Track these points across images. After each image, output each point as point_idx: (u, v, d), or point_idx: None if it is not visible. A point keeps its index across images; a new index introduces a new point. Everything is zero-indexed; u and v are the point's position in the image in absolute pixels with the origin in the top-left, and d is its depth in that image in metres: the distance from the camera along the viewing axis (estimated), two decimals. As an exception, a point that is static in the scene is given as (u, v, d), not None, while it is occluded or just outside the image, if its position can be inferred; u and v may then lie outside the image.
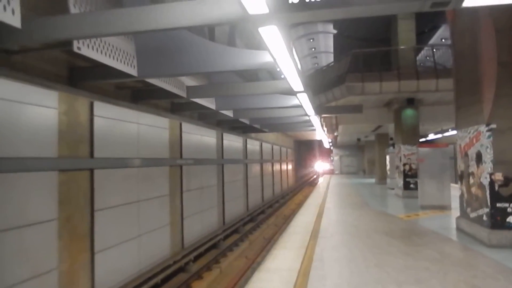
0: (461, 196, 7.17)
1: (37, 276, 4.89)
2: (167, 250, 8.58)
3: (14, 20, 3.42)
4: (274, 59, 4.84)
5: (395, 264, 5.10)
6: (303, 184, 36.16)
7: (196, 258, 9.39)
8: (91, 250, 6.06)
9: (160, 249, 8.24)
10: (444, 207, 10.11)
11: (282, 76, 6.10)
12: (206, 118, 11.57)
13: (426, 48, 21.27)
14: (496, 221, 5.92)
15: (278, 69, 5.42)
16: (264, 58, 5.23)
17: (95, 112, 6.34)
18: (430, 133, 26.25)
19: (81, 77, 5.92)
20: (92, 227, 6.09)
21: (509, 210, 5.88)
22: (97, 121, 6.36)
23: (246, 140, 16.83)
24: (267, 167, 21.71)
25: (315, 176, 40.22)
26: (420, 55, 23.31)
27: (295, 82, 6.33)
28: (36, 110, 5.08)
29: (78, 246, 5.78)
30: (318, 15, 3.48)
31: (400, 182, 14.23)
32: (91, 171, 6.18)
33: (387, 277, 4.53)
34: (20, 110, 4.83)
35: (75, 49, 4.44)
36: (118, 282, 6.60)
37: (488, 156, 6.04)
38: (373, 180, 23.99)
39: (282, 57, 4.76)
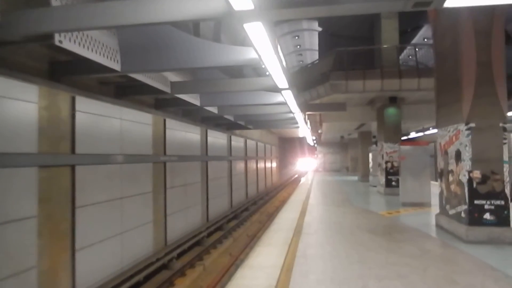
0: (441, 193, 7.33)
1: (16, 274, 4.80)
2: (150, 248, 8.51)
3: (-8, 12, 3.33)
4: (259, 56, 4.85)
5: (377, 260, 5.18)
6: (287, 181, 36.34)
7: (180, 255, 9.36)
8: (72, 248, 5.97)
9: (143, 246, 8.17)
10: (424, 204, 10.32)
11: (267, 73, 6.11)
12: (190, 114, 11.49)
13: (408, 47, 21.59)
14: (474, 217, 6.07)
15: (263, 66, 5.42)
16: (249, 54, 5.23)
17: (77, 107, 6.23)
18: (412, 131, 26.71)
19: (63, 71, 5.80)
20: (73, 225, 6.00)
21: (486, 207, 6.04)
22: (79, 117, 6.25)
23: (230, 137, 16.80)
24: (252, 164, 21.73)
25: (299, 174, 40.44)
26: (403, 54, 23.68)
27: (280, 79, 6.35)
28: (15, 104, 4.97)
29: (58, 244, 5.69)
30: (302, 12, 3.51)
31: (382, 179, 14.44)
32: (73, 167, 6.07)
33: (369, 273, 4.60)
34: (-1, 105, 4.72)
35: (57, 43, 4.35)
36: (100, 280, 6.52)
37: (467, 154, 6.18)
38: (356, 178, 24.28)
39: (267, 53, 4.76)
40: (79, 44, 4.69)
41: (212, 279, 8.15)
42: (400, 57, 23.01)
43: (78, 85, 6.25)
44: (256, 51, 4.62)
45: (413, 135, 27.24)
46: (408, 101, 15.10)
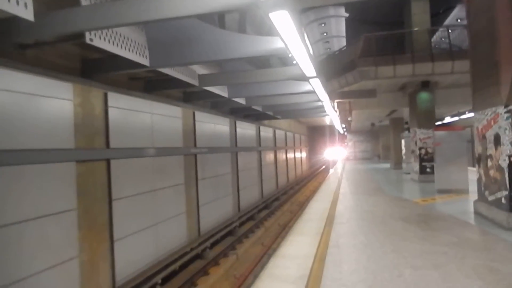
0: (479, 179, 7.05)
1: (60, 264, 5.04)
2: (184, 238, 8.71)
3: (27, 13, 3.44)
4: (286, 45, 4.79)
5: (412, 249, 5.07)
6: (317, 171, 36.08)
7: (213, 245, 9.53)
8: (110, 239, 6.20)
9: (177, 236, 8.37)
10: (461, 191, 9.96)
11: (294, 62, 6.05)
12: (219, 106, 11.58)
13: (441, 29, 20.77)
14: (515, 204, 5.81)
15: (290, 55, 5.37)
16: (275, 44, 5.18)
17: (109, 103, 6.41)
18: (446, 116, 25.78)
19: (94, 69, 5.97)
20: (110, 217, 6.22)
21: (528, 192, 5.76)
22: (111, 112, 6.43)
23: (259, 127, 16.82)
24: (281, 154, 21.70)
25: (329, 163, 40.04)
26: (435, 36, 22.80)
27: (307, 67, 6.27)
28: (52, 102, 5.16)
29: (97, 235, 5.92)
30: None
31: (416, 166, 14.06)
32: (108, 161, 6.27)
33: (404, 262, 4.51)
34: (37, 103, 4.92)
35: (88, 41, 4.47)
36: (137, 269, 6.75)
37: (506, 138, 5.90)
38: (388, 165, 23.76)
39: (294, 42, 4.70)
40: (109, 41, 4.80)
41: (245, 268, 8.26)
42: (432, 40, 22.17)
43: (109, 82, 6.43)
44: (283, 40, 4.57)
45: (447, 120, 26.31)
46: (442, 85, 14.55)
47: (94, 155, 5.97)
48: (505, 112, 5.92)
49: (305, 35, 4.97)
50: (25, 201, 4.60)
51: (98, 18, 3.88)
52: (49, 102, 5.11)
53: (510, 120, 5.87)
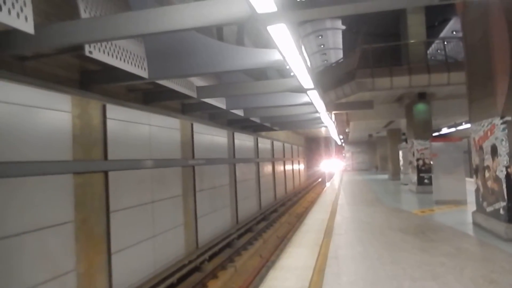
0: (477, 190, 7.06)
1: (57, 277, 4.98)
2: (182, 250, 8.65)
3: (27, 26, 3.48)
4: (283, 57, 4.84)
5: (411, 260, 5.05)
6: (315, 182, 36.03)
7: (211, 258, 9.44)
8: (107, 251, 6.14)
9: (175, 249, 8.30)
10: (459, 202, 9.97)
11: (292, 74, 6.10)
12: (217, 118, 11.61)
13: (437, 41, 21.02)
14: (514, 214, 5.82)
15: (287, 67, 5.41)
16: (273, 56, 5.23)
17: (108, 114, 6.42)
18: (443, 127, 25.92)
19: (93, 80, 5.99)
20: (108, 229, 6.17)
21: (526, 203, 5.77)
22: (109, 124, 6.44)
23: (257, 139, 16.84)
24: (279, 165, 21.70)
25: (327, 174, 40.04)
26: (431, 48, 23.04)
27: (305, 79, 6.31)
28: (50, 114, 5.17)
29: (95, 248, 5.87)
30: (326, 12, 3.47)
31: (414, 177, 14.08)
32: (105, 173, 6.25)
33: (403, 274, 4.49)
34: (35, 115, 4.93)
35: (87, 53, 4.49)
36: (135, 282, 6.68)
37: (503, 149, 5.93)
38: (386, 176, 23.78)
39: (291, 54, 4.75)
40: (108, 53, 4.83)
41: (243, 281, 8.19)
42: (428, 52, 22.41)
43: (107, 93, 6.44)
44: (280, 52, 4.62)
45: (444, 131, 26.44)
46: (438, 96, 14.67)
47: (92, 167, 5.95)
48: (501, 123, 5.96)
49: (303, 47, 5.02)
50: (22, 213, 4.57)
51: (97, 30, 3.91)
52: (47, 114, 5.12)
53: (506, 131, 5.91)
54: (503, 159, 5.95)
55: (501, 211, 6.02)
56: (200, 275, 8.29)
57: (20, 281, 4.44)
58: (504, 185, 5.90)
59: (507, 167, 5.87)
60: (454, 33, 22.36)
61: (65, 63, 5.57)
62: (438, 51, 21.90)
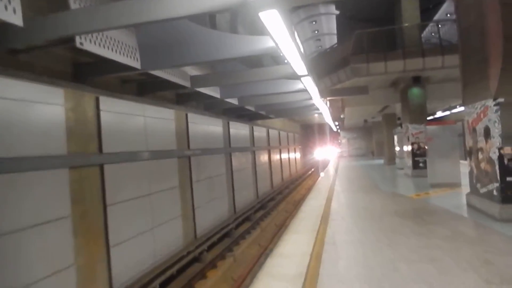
0: (471, 172, 7.13)
1: (57, 272, 5.00)
2: (181, 241, 8.69)
3: (16, 19, 3.42)
4: (276, 44, 4.81)
5: (408, 243, 5.11)
6: (312, 169, 36.16)
7: (210, 248, 9.50)
8: (106, 245, 6.16)
9: (173, 240, 8.34)
10: (454, 185, 10.05)
11: (286, 61, 6.07)
12: (212, 107, 11.55)
13: (431, 24, 20.93)
14: (507, 195, 5.88)
15: (281, 54, 5.38)
16: (266, 43, 5.19)
17: (101, 107, 6.38)
18: (438, 110, 25.99)
19: (86, 72, 5.92)
20: (105, 222, 6.18)
21: (520, 184, 5.84)
22: (103, 116, 6.40)
23: (252, 127, 16.82)
24: (275, 153, 21.73)
25: (323, 160, 40.20)
26: (425, 32, 22.92)
27: (299, 66, 6.28)
28: (43, 108, 5.13)
29: (93, 241, 5.89)
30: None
31: (409, 161, 14.17)
32: (101, 166, 6.24)
33: (400, 257, 4.55)
34: (28, 109, 4.89)
35: (78, 45, 4.44)
36: (134, 274, 6.72)
37: (496, 131, 5.97)
38: (382, 162, 23.90)
39: (284, 41, 4.72)
40: (99, 44, 4.77)
41: (243, 270, 8.26)
42: (423, 35, 22.28)
43: (101, 85, 6.38)
44: (273, 39, 4.58)
45: (439, 114, 26.52)
46: (433, 80, 14.68)
47: (87, 160, 5.93)
48: (494, 105, 5.99)
49: (296, 33, 4.99)
50: (19, 209, 4.56)
51: (87, 21, 3.86)
52: (40, 108, 5.07)
53: (499, 112, 5.94)
54: (495, 141, 5.99)
55: (494, 192, 6.08)
56: (199, 265, 8.36)
57: (19, 277, 4.45)
58: (497, 167, 5.95)
59: (499, 149, 5.92)
60: (448, 15, 22.28)
61: (57, 56, 5.49)
62: (433, 34, 21.82)
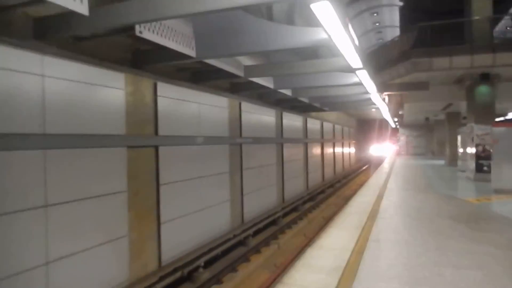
0: (539, 179, 6.57)
1: (111, 241, 5.42)
2: (228, 224, 8.95)
3: (83, 8, 3.71)
4: (329, 36, 4.75)
5: (457, 248, 4.87)
6: (366, 165, 35.16)
7: (255, 233, 9.69)
8: (157, 221, 6.54)
9: (221, 223, 8.61)
10: (521, 192, 9.32)
11: (339, 53, 5.96)
12: (265, 97, 11.65)
13: (506, 17, 19.29)
14: None
15: (334, 46, 5.30)
16: (318, 35, 5.14)
17: (159, 92, 6.70)
18: (511, 111, 24.00)
19: (144, 59, 6.25)
20: (158, 200, 6.55)
21: None
22: (160, 101, 6.72)
23: (306, 119, 16.70)
24: (328, 146, 21.42)
25: (378, 157, 38.89)
26: (499, 26, 21.12)
27: (353, 58, 6.15)
28: (105, 91, 5.50)
29: (145, 217, 6.27)
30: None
31: (472, 164, 13.27)
32: (156, 148, 6.59)
33: (446, 261, 4.36)
34: (92, 91, 5.27)
35: (137, 33, 4.72)
36: (181, 251, 7.06)
37: None
38: (442, 162, 22.63)
39: (337, 33, 4.65)
40: (157, 33, 5.03)
41: (285, 258, 8.35)
42: (496, 30, 20.58)
43: (158, 72, 6.71)
44: (326, 31, 4.54)
45: (511, 116, 24.49)
46: (504, 77, 13.53)
47: (144, 141, 6.30)
48: None
49: (350, 26, 4.87)
50: (84, 181, 4.99)
51: (147, 11, 4.07)
52: (103, 91, 5.45)
53: None
54: None
55: None
56: (243, 249, 8.58)
57: (78, 242, 4.89)
58: None
59: None
60: (527, 8, 20.34)
61: (118, 43, 5.83)
62: (508, 28, 20.11)
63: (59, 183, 4.66)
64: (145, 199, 6.30)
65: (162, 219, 6.60)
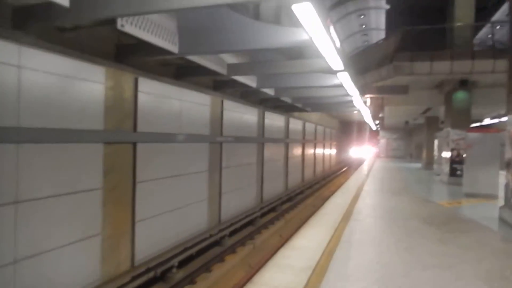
0: (507, 185, 6.80)
1: (84, 239, 5.34)
2: (205, 224, 8.93)
3: (63, -1, 3.67)
4: (310, 37, 4.80)
5: (426, 249, 5.01)
6: (346, 166, 35.60)
7: (232, 233, 9.71)
8: (132, 219, 6.46)
9: (197, 222, 8.58)
10: (490, 196, 9.60)
11: (321, 55, 6.02)
12: (248, 96, 11.65)
13: (488, 25, 19.80)
14: (542, 213, 5.59)
15: (315, 48, 5.36)
16: (302, 36, 5.17)
17: (140, 87, 6.62)
18: (486, 117, 24.70)
19: (127, 53, 6.14)
20: (133, 198, 6.46)
21: (557, 202, 5.52)
22: (141, 97, 6.64)
23: (288, 119, 16.79)
24: (309, 147, 21.59)
25: (359, 159, 39.42)
26: (481, 33, 21.65)
27: (334, 60, 6.22)
28: (85, 85, 5.40)
29: (120, 215, 6.19)
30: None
31: (446, 168, 13.64)
32: (134, 144, 6.51)
33: (415, 261, 4.48)
34: (71, 85, 5.17)
35: (119, 27, 4.66)
36: (156, 250, 7.00)
37: (538, 144, 5.66)
38: (419, 165, 23.14)
39: (318, 35, 4.70)
40: (140, 27, 4.98)
41: (260, 258, 8.39)
42: (478, 37, 21.09)
43: (140, 67, 6.62)
44: (307, 32, 4.59)
45: (487, 121, 25.21)
46: (481, 84, 13.93)
47: (121, 137, 6.21)
48: (538, 117, 5.67)
49: (331, 27, 4.93)
50: (56, 177, 4.90)
51: (130, 5, 4.01)
52: (82, 85, 5.35)
53: (543, 125, 5.62)
54: (536, 155, 5.68)
55: (530, 208, 5.80)
56: (219, 249, 8.58)
57: (50, 239, 4.80)
58: (536, 182, 5.66)
59: (540, 163, 5.61)
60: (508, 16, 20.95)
61: (101, 35, 5.71)
62: (489, 36, 20.60)
63: (32, 179, 4.54)
64: (121, 197, 6.21)
65: (137, 217, 6.53)
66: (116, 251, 6.09)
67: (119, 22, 4.64)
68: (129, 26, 4.84)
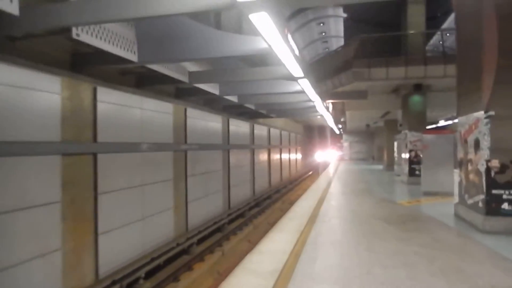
0: (460, 182, 7.19)
1: (44, 255, 5.13)
2: (171, 233, 8.81)
3: (12, 8, 3.55)
4: (269, 45, 4.91)
5: (387, 248, 5.19)
6: (312, 170, 36.21)
7: (200, 241, 9.63)
8: (94, 231, 6.28)
9: (164, 231, 8.46)
10: (447, 194, 10.10)
11: (281, 62, 6.15)
12: (212, 103, 11.66)
13: (439, 33, 20.89)
14: (491, 207, 5.94)
15: (275, 55, 5.47)
16: (260, 44, 5.27)
17: (99, 97, 6.48)
18: (441, 119, 25.98)
19: (84, 62, 6.03)
20: (95, 210, 6.30)
21: (504, 197, 5.89)
22: (100, 106, 6.51)
23: (253, 125, 16.91)
24: (275, 152, 21.81)
25: (324, 162, 40.21)
26: (432, 40, 22.84)
27: (294, 68, 6.38)
28: (40, 95, 5.23)
29: (82, 228, 6.01)
30: (305, 0, 3.53)
31: (406, 168, 14.21)
32: (94, 155, 6.35)
33: (376, 260, 4.63)
34: (25, 96, 4.98)
35: (74, 36, 4.57)
36: (121, 262, 6.84)
37: (485, 143, 6.03)
38: (381, 167, 23.92)
39: (277, 43, 4.81)
40: (96, 36, 4.91)
41: (229, 264, 8.37)
42: (431, 43, 22.22)
43: (99, 76, 6.49)
44: (265, 40, 4.68)
45: (442, 123, 26.52)
46: (435, 88, 14.67)
47: (80, 148, 6.05)
48: (484, 118, 6.05)
49: (289, 36, 5.06)
50: (10, 191, 4.69)
51: (85, 13, 3.96)
52: (36, 95, 5.17)
53: (489, 125, 6.00)
54: (484, 153, 6.05)
55: (480, 204, 6.15)
56: (187, 257, 8.49)
57: (7, 257, 4.59)
58: (484, 179, 6.02)
59: (487, 161, 5.98)
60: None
61: (56, 44, 5.58)
62: (440, 42, 21.74)
63: (-16, 193, 4.35)
64: (81, 210, 6.04)
65: (100, 229, 6.36)
66: (79, 265, 5.90)
67: (74, 31, 4.55)
68: (85, 35, 4.76)
